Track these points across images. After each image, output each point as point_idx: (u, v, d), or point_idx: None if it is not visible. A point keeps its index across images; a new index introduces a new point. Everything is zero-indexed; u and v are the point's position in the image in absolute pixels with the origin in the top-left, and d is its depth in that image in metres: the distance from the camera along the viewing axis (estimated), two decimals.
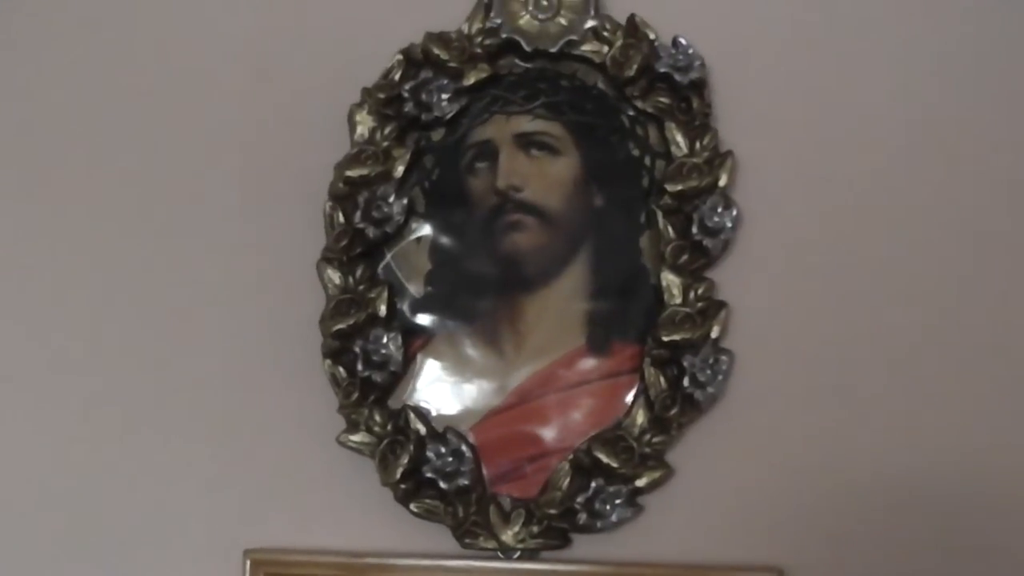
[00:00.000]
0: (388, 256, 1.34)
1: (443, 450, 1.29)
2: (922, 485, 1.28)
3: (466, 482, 1.29)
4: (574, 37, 1.34)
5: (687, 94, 1.32)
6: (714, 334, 1.30)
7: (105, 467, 1.34)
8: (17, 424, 1.37)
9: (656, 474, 1.29)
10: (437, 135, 1.35)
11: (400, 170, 1.33)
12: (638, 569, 1.28)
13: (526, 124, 1.35)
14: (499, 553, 1.29)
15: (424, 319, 1.34)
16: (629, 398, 1.31)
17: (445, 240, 1.34)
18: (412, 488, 1.29)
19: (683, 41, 1.33)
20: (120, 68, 1.41)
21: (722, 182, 1.31)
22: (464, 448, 1.30)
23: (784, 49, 1.35)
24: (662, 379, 1.29)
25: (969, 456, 1.28)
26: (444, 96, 1.34)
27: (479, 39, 1.35)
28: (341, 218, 1.32)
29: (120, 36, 1.41)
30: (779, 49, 1.35)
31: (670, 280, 1.31)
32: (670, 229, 1.32)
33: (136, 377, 1.35)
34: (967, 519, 1.28)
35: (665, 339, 1.29)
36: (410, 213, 1.34)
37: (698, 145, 1.32)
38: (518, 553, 1.29)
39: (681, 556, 1.28)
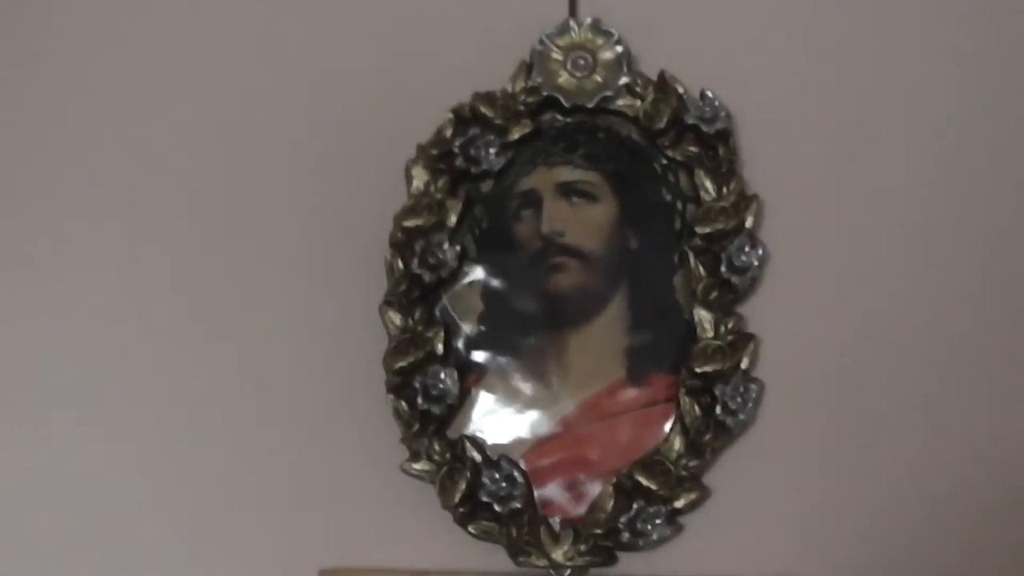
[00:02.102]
0: (444, 298, 1.45)
1: (497, 476, 1.41)
2: (945, 506, 1.37)
3: (519, 505, 1.40)
4: (609, 93, 1.45)
5: (714, 143, 1.43)
6: (744, 365, 1.40)
7: (191, 497, 1.46)
8: (107, 456, 1.48)
9: (693, 495, 1.39)
10: (486, 186, 1.46)
11: (453, 219, 1.45)
12: None
13: (567, 174, 1.45)
14: (550, 570, 1.40)
15: (477, 356, 1.45)
16: (667, 425, 1.41)
17: (495, 282, 1.46)
18: (469, 511, 1.41)
19: (709, 94, 1.43)
20: (196, 125, 1.52)
21: (748, 223, 1.41)
22: (516, 474, 1.41)
23: (804, 98, 1.45)
24: (696, 407, 1.40)
25: (995, 478, 1.38)
26: (491, 150, 1.45)
27: (522, 97, 1.46)
28: (400, 264, 1.44)
29: (195, 94, 1.52)
30: (799, 98, 1.45)
31: (702, 315, 1.41)
32: (701, 268, 1.42)
33: (219, 413, 1.47)
34: (996, 538, 1.37)
35: (698, 370, 1.40)
36: (463, 258, 1.45)
37: (725, 190, 1.42)
38: (568, 570, 1.40)
39: (718, 571, 1.39)
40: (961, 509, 1.37)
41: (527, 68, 1.46)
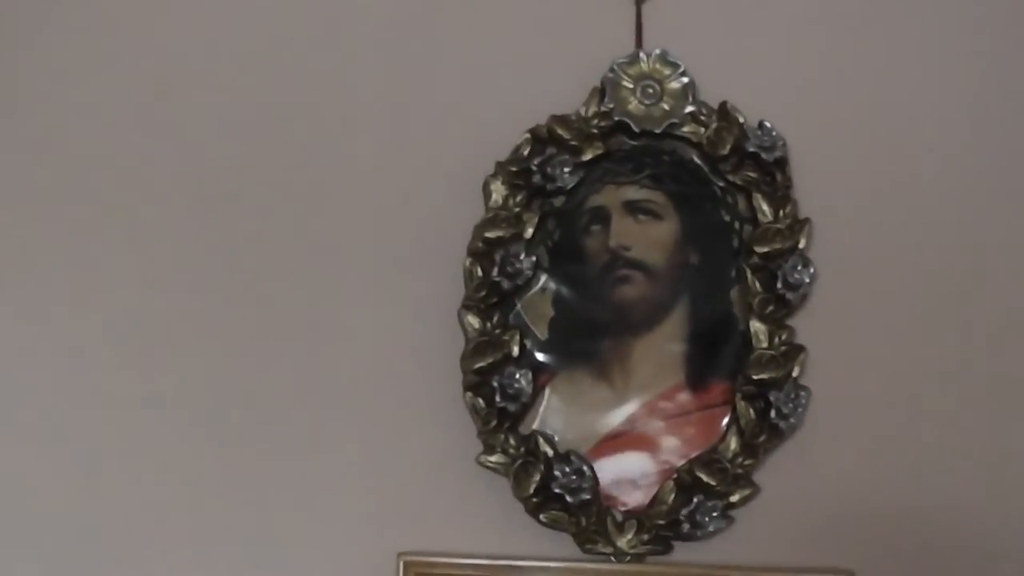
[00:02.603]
0: (518, 304, 1.57)
1: (568, 469, 1.52)
2: (983, 502, 1.53)
3: (587, 497, 1.52)
4: (676, 120, 1.58)
5: (772, 170, 1.56)
6: (795, 373, 1.53)
7: (282, 484, 1.57)
8: (197, 440, 1.58)
9: (746, 491, 1.52)
10: (558, 202, 1.58)
11: (529, 232, 1.56)
12: (729, 571, 1.51)
13: (633, 193, 1.58)
14: (612, 557, 1.53)
15: (548, 358, 1.56)
16: (723, 426, 1.54)
17: (565, 291, 1.57)
18: (541, 502, 1.53)
19: (768, 124, 1.56)
20: (290, 137, 1.63)
21: (801, 245, 1.55)
22: (585, 468, 1.52)
23: (856, 130, 1.60)
24: (751, 411, 1.53)
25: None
26: (566, 170, 1.56)
27: (594, 121, 1.58)
28: (479, 272, 1.55)
29: (287, 109, 1.63)
30: (851, 129, 1.60)
31: (757, 327, 1.54)
32: (757, 284, 1.55)
33: (307, 409, 1.58)
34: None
35: (754, 377, 1.53)
36: (536, 269, 1.56)
37: (781, 213, 1.56)
38: (628, 557, 1.52)
39: (766, 560, 1.52)
40: (1000, 506, 1.52)
41: (600, 94, 1.58)
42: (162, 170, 1.63)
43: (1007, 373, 1.54)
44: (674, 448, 1.54)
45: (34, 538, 1.58)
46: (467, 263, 1.56)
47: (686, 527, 1.51)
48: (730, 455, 1.53)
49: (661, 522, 1.52)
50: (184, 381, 1.59)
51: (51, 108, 1.65)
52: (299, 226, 1.61)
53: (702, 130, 1.58)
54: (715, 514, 1.51)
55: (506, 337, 1.55)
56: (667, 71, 1.59)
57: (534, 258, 1.56)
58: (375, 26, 1.64)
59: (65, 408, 1.59)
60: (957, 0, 1.61)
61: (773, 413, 1.52)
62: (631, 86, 1.58)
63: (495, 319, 1.56)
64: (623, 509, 1.53)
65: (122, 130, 1.63)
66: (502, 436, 1.54)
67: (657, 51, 1.59)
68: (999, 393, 1.54)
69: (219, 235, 1.61)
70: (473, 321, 1.55)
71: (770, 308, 1.54)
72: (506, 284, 1.55)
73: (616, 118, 1.58)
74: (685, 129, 1.58)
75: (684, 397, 1.55)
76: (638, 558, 1.52)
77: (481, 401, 1.54)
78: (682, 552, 1.53)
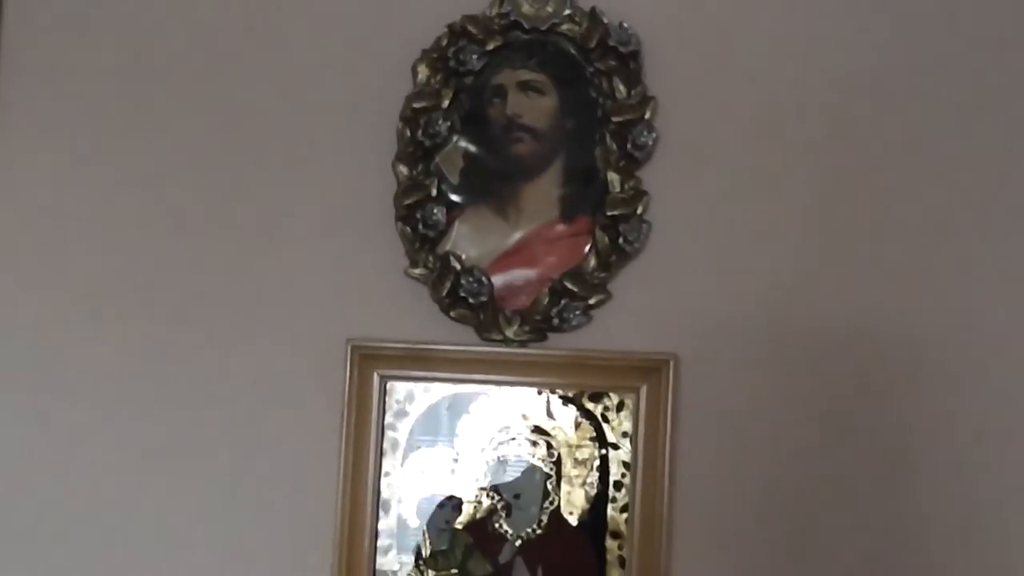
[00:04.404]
0: (436, 158, 2.09)
1: (471, 279, 2.07)
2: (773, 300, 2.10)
3: (485, 299, 2.07)
4: (557, 20, 2.09)
5: (627, 59, 2.07)
6: (639, 211, 2.07)
7: (247, 281, 2.11)
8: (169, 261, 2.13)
9: (601, 296, 2.07)
10: (469, 80, 2.09)
11: (446, 103, 2.08)
12: (588, 352, 2.07)
13: (525, 75, 2.09)
14: (503, 343, 2.08)
15: (459, 198, 2.09)
16: (586, 249, 2.09)
17: (473, 148, 2.10)
18: (452, 302, 2.08)
19: (626, 25, 2.08)
20: (242, 35, 2.14)
21: (647, 116, 2.07)
22: (484, 279, 2.07)
23: (695, 27, 2.10)
24: (606, 238, 2.08)
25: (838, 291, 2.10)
26: (474, 56, 2.08)
27: (496, 20, 2.08)
28: (408, 133, 2.07)
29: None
30: (692, 27, 2.10)
31: (613, 177, 2.08)
32: (614, 144, 2.08)
33: (274, 220, 2.11)
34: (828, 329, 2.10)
35: (609, 214, 2.07)
36: (451, 131, 2.09)
37: (633, 92, 2.08)
38: (514, 343, 2.09)
39: (613, 346, 2.07)
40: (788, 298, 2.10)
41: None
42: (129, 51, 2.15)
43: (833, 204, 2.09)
44: (549, 264, 2.09)
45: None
46: (399, 126, 2.08)
47: (556, 322, 2.07)
48: (590, 270, 2.08)
49: (539, 318, 2.07)
50: (161, 216, 2.13)
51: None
52: (273, 95, 2.13)
53: (576, 28, 2.09)
54: (578, 312, 2.07)
55: (427, 182, 2.08)
56: None
57: (450, 123, 2.09)
58: None
59: None
60: None
61: (622, 240, 2.07)
62: None
63: (419, 168, 2.09)
64: (511, 309, 2.09)
65: None
66: (424, 255, 2.08)
67: None
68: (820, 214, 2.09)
69: (204, 104, 2.14)
70: (403, 169, 2.08)
71: (623, 163, 2.08)
72: (428, 142, 2.08)
73: (512, 18, 2.09)
74: (564, 27, 2.09)
75: (559, 227, 2.09)
76: (521, 344, 2.08)
77: (408, 229, 2.08)
78: (554, 340, 2.09)
